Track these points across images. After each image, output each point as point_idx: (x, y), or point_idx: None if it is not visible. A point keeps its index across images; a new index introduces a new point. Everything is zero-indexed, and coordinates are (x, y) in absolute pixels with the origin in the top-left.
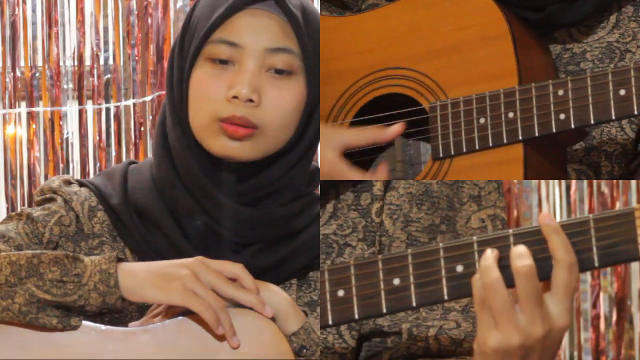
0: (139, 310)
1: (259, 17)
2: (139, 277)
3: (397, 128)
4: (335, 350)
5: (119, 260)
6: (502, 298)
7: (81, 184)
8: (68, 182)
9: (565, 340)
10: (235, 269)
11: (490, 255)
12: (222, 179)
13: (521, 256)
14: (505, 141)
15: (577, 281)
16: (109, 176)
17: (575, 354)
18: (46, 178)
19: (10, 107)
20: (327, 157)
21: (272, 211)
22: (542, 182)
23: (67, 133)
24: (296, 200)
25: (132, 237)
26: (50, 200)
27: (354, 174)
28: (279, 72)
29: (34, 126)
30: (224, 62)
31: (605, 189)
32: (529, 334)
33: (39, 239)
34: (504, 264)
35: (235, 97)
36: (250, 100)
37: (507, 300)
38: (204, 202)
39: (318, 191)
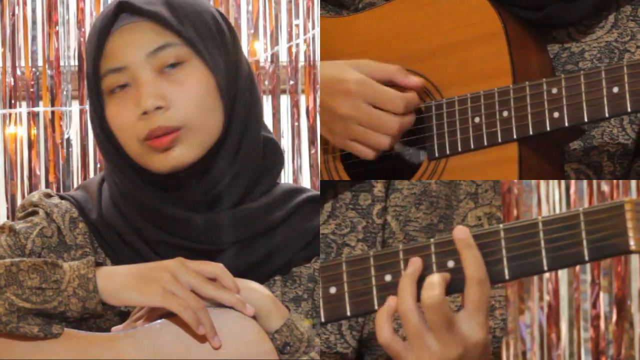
0: (121, 315)
1: (127, 32)
2: (118, 280)
3: (417, 79)
4: (338, 350)
5: (98, 264)
6: (415, 326)
7: (62, 197)
8: (48, 195)
9: (565, 340)
10: (215, 268)
11: (408, 272)
12: (175, 195)
13: (430, 286)
14: (500, 140)
15: (489, 295)
16: (88, 189)
17: (575, 354)
18: (46, 178)
19: (10, 107)
20: (356, 76)
21: (240, 211)
22: (542, 182)
23: (67, 133)
24: (265, 195)
25: (112, 250)
26: (33, 213)
27: (387, 89)
28: (172, 66)
29: (34, 126)
30: (122, 87)
31: (605, 189)
32: (443, 356)
33: (21, 251)
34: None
35: (144, 113)
36: (159, 108)
37: (419, 328)
38: (165, 225)
39: (300, 183)
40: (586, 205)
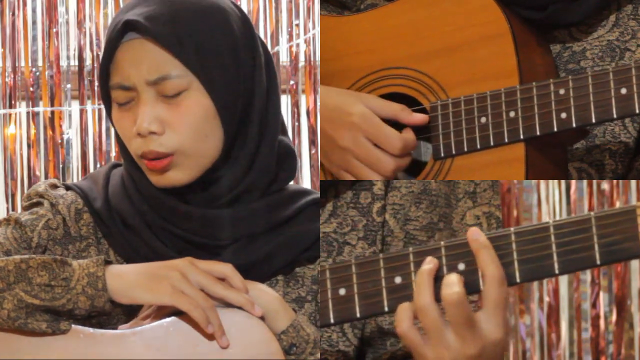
0: (128, 313)
1: (134, 50)
2: (127, 279)
3: (421, 116)
4: (339, 348)
5: (107, 263)
6: (432, 321)
7: (67, 188)
8: (54, 186)
9: (566, 340)
10: (224, 268)
11: (424, 269)
12: (184, 194)
13: (451, 284)
14: (506, 140)
15: (507, 294)
16: (94, 179)
17: (575, 354)
18: (46, 178)
19: (10, 107)
20: (361, 110)
21: (244, 208)
22: (542, 182)
23: (67, 133)
24: (271, 195)
25: (116, 240)
26: (38, 204)
27: (388, 129)
28: (169, 96)
29: (34, 126)
30: (128, 101)
31: (605, 189)
32: (461, 355)
33: (27, 244)
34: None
35: (139, 133)
36: (153, 133)
37: (436, 323)
38: (170, 216)
39: (301, 183)
40: (586, 205)
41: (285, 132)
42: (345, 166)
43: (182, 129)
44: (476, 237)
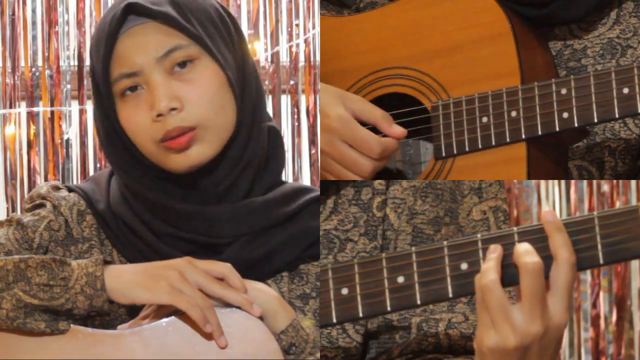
0: (131, 313)
1: (136, 35)
2: (126, 278)
3: (401, 130)
4: (340, 345)
5: (107, 262)
6: (498, 299)
7: (70, 189)
8: (57, 188)
9: (565, 340)
10: (223, 268)
11: (492, 256)
12: (185, 190)
13: (529, 253)
14: (508, 140)
15: (575, 279)
16: (97, 181)
17: (575, 354)
18: (46, 178)
19: (10, 107)
20: (338, 113)
21: (243, 205)
22: (542, 181)
23: (67, 133)
24: (272, 190)
25: (119, 241)
26: (40, 206)
27: (365, 133)
28: (182, 65)
29: (34, 126)
30: (132, 89)
31: (605, 189)
32: (526, 334)
33: (29, 245)
34: (507, 262)
35: (159, 115)
36: (173, 109)
37: (502, 301)
38: (173, 219)
39: (301, 182)
40: (586, 205)
41: (268, 117)
42: (325, 167)
43: (200, 101)
44: (550, 218)
